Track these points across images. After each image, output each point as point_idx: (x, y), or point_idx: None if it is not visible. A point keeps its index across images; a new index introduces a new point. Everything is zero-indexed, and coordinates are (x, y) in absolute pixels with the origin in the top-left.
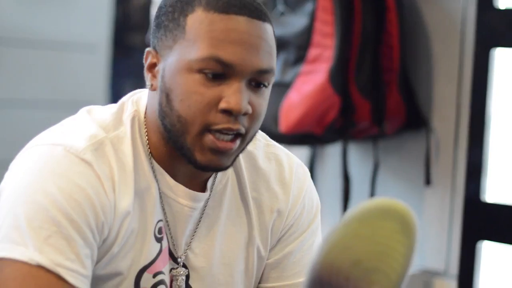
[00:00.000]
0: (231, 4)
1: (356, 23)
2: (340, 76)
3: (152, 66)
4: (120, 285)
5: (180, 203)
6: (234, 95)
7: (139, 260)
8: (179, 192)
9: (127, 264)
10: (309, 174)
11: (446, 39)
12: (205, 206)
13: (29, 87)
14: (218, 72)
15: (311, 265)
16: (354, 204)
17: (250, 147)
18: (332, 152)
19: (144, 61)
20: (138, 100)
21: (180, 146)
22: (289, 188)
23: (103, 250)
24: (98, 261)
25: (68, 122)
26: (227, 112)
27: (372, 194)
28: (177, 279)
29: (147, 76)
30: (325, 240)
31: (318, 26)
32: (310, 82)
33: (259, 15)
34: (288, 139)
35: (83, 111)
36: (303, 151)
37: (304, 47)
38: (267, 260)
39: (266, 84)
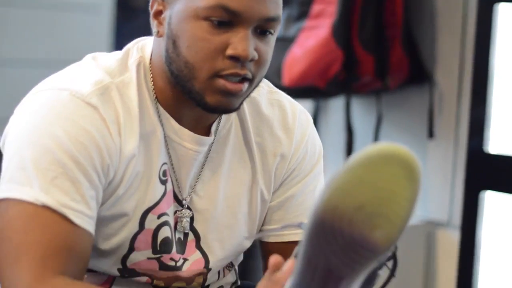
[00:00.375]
0: None
1: None
2: (343, 30)
3: (158, 13)
4: (125, 226)
5: (185, 147)
6: (241, 42)
7: (143, 202)
8: (184, 136)
9: (132, 205)
10: (311, 120)
11: None
12: (209, 150)
13: (32, 47)
14: (225, 19)
15: (313, 209)
16: None
17: (253, 93)
18: (336, 106)
19: (150, 9)
20: (143, 47)
21: (189, 90)
22: (292, 133)
23: (109, 192)
24: (103, 203)
25: (73, 68)
26: (234, 58)
27: None
28: (181, 221)
29: (153, 23)
30: (328, 184)
31: None
32: (313, 37)
33: None
34: (291, 92)
35: (88, 57)
36: (307, 105)
37: (307, 3)
38: (270, 203)
39: (272, 31)
